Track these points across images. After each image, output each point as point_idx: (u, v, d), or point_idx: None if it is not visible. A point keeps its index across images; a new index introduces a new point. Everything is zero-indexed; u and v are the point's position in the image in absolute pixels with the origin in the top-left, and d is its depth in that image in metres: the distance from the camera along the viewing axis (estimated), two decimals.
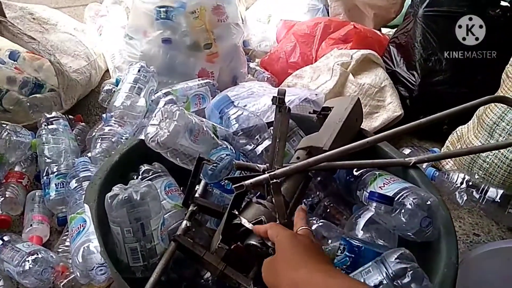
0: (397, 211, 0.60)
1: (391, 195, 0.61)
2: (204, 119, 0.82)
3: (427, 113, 1.42)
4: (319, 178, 0.84)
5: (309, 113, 0.92)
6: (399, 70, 1.48)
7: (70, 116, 1.33)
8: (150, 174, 0.72)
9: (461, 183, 1.16)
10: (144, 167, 0.73)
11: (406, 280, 0.46)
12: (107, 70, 1.66)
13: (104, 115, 1.21)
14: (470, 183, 1.15)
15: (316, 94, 1.08)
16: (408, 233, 0.61)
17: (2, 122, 1.14)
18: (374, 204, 0.58)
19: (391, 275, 0.47)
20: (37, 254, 0.81)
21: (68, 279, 0.81)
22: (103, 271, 0.75)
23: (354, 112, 0.83)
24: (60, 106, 1.31)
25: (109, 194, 0.59)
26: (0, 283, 0.80)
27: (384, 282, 0.47)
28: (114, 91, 1.31)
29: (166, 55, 1.40)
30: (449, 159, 1.28)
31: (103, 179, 0.65)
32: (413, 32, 1.45)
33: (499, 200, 1.10)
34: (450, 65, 1.38)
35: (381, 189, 0.63)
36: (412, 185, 0.66)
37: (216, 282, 0.66)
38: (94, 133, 1.16)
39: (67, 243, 0.89)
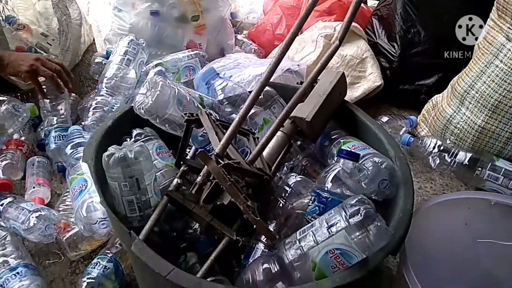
0: (357, 178, 0.67)
1: None
2: (190, 90, 0.88)
3: (406, 84, 1.52)
4: (298, 142, 0.92)
5: (297, 83, 0.98)
6: (381, 41, 1.54)
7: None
8: (142, 137, 0.79)
9: (434, 148, 1.25)
10: (136, 131, 0.80)
11: (359, 218, 0.54)
12: (93, 43, 1.70)
13: (98, 86, 1.27)
14: (442, 148, 1.24)
15: (298, 65, 1.14)
16: (370, 195, 0.69)
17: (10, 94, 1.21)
18: (342, 160, 0.66)
19: (348, 216, 0.55)
20: (40, 212, 0.88)
21: (70, 234, 0.89)
22: (105, 225, 0.83)
23: (338, 86, 0.89)
24: None
25: (106, 153, 0.65)
26: (7, 239, 0.87)
27: (341, 221, 0.55)
28: (104, 63, 1.36)
29: (155, 27, 1.44)
30: (424, 126, 1.36)
31: (98, 141, 0.71)
32: (394, 5, 1.50)
33: (467, 163, 1.19)
34: (428, 37, 1.44)
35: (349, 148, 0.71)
36: (372, 151, 0.74)
37: (203, 232, 0.74)
38: (86, 103, 1.22)
39: (67, 203, 0.97)
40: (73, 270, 0.90)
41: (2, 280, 0.79)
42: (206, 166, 0.62)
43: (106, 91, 1.17)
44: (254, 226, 0.61)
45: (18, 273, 0.80)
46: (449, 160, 1.22)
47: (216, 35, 1.53)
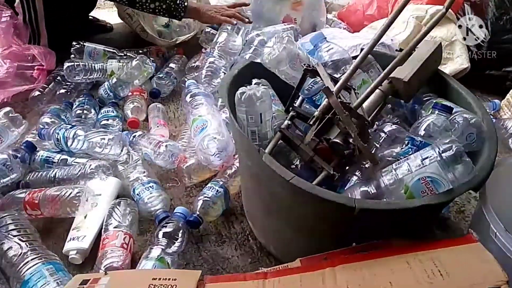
0: (448, 130, 0.78)
1: None
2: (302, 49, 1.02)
3: (493, 69, 1.55)
4: (389, 106, 1.03)
5: (396, 50, 1.09)
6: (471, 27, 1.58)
7: (175, 49, 1.63)
8: (259, 86, 0.95)
9: None
10: (255, 80, 0.96)
11: (450, 153, 0.65)
12: None
13: (206, 50, 1.47)
14: None
15: (391, 40, 1.24)
16: None
17: (132, 51, 1.45)
18: (436, 111, 0.77)
19: (441, 151, 0.66)
20: (168, 142, 1.09)
21: (188, 164, 1.08)
22: (219, 157, 1.01)
23: (435, 55, 0.98)
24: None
25: (238, 92, 0.82)
26: (139, 162, 1.08)
27: (434, 154, 0.66)
28: (212, 33, 1.55)
29: (257, 2, 1.60)
30: (507, 110, 1.40)
31: (229, 83, 0.88)
32: None
33: None
34: None
35: None
36: (462, 109, 0.84)
37: (303, 167, 0.88)
38: (194, 64, 1.46)
39: (183, 141, 1.16)
40: (188, 193, 1.09)
41: (138, 191, 1.00)
42: (325, 102, 0.76)
43: (218, 53, 1.35)
44: (360, 151, 0.74)
45: (150, 186, 1.01)
46: None
47: (311, 12, 1.66)
